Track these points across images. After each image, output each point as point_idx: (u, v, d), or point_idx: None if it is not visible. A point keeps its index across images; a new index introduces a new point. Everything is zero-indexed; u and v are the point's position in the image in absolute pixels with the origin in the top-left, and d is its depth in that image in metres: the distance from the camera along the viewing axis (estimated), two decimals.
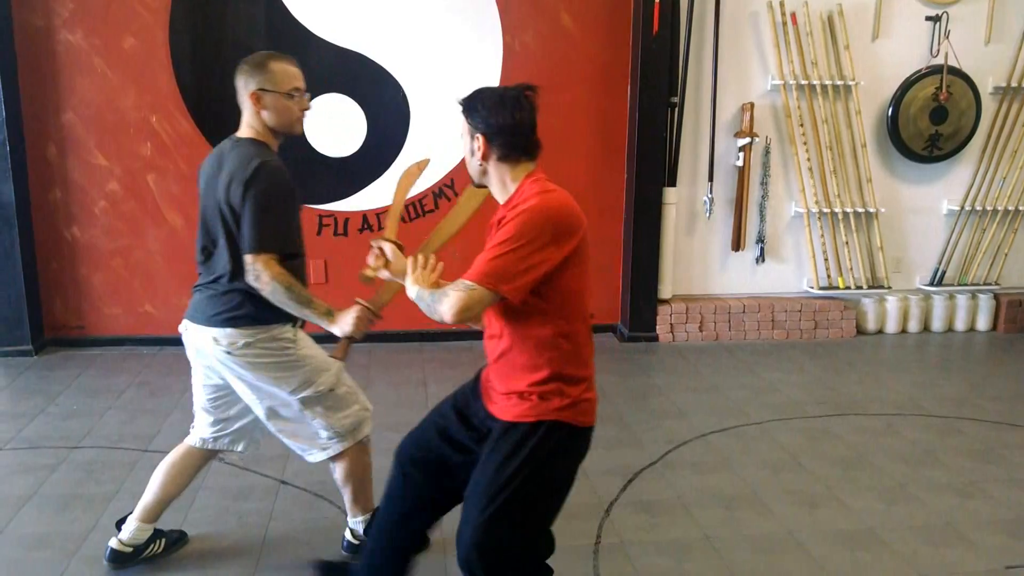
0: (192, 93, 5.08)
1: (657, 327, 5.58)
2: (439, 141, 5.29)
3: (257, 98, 2.58)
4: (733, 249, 5.69)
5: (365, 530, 2.83)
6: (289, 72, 2.61)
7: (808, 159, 5.58)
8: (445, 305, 2.03)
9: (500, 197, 2.22)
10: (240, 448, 2.89)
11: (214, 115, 5.10)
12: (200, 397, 2.80)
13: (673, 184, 5.48)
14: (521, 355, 2.15)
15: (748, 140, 5.45)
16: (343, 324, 2.56)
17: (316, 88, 5.18)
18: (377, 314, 2.60)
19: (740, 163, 5.52)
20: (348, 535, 2.93)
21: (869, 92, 5.60)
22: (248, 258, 2.47)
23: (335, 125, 5.23)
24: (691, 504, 3.34)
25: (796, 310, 5.69)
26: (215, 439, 2.83)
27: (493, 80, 5.25)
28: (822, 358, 5.30)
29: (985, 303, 5.91)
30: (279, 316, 2.58)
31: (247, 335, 2.56)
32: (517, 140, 2.17)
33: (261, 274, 2.45)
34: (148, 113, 5.07)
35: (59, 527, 3.12)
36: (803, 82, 5.47)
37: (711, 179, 5.55)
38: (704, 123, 5.53)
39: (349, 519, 2.91)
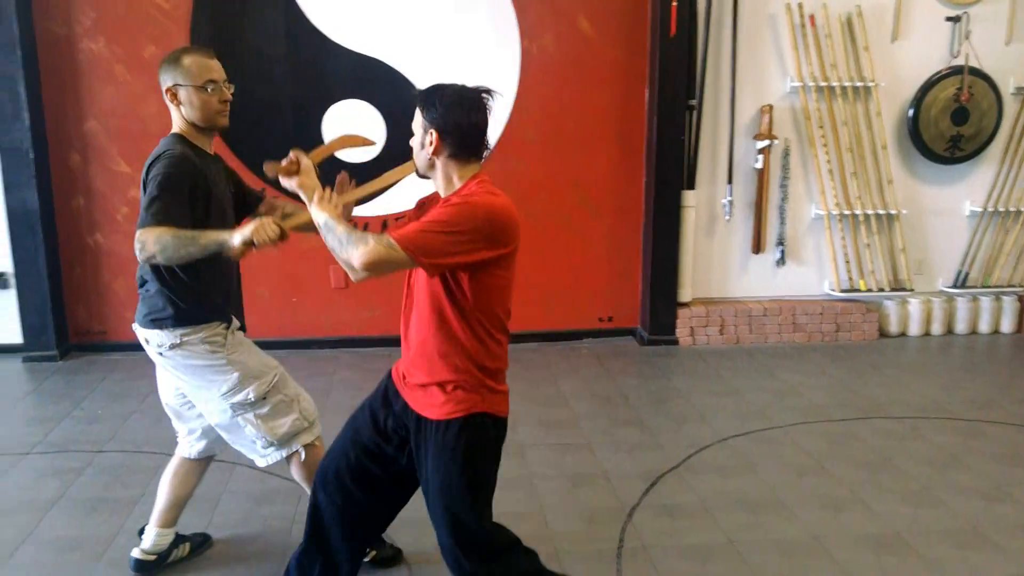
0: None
1: (677, 330, 5.57)
2: None
3: (173, 94, 2.54)
4: (753, 252, 5.67)
5: None
6: (203, 64, 2.54)
7: (828, 161, 5.55)
8: (360, 250, 2.01)
9: (443, 192, 2.24)
10: (216, 451, 2.87)
11: (233, 122, 5.11)
12: (171, 406, 2.79)
13: (692, 187, 5.47)
14: (443, 344, 2.17)
15: (767, 142, 5.43)
16: (243, 231, 2.32)
17: (335, 94, 5.24)
18: (284, 231, 2.35)
19: (759, 165, 5.50)
20: None
21: (889, 93, 5.56)
22: (137, 234, 2.35)
23: (354, 130, 5.24)
24: (714, 508, 3.32)
25: (817, 313, 5.66)
26: (191, 446, 2.84)
27: (511, 85, 5.27)
28: (844, 361, 5.26)
29: (1009, 305, 5.85)
30: (206, 316, 2.56)
31: (174, 336, 2.53)
32: (469, 141, 2.20)
33: (145, 243, 2.32)
34: (170, 120, 5.10)
35: (87, 530, 3.15)
36: (822, 84, 5.44)
37: (730, 181, 5.53)
38: (723, 125, 5.52)
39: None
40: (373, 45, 5.17)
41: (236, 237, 2.31)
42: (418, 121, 2.20)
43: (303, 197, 2.26)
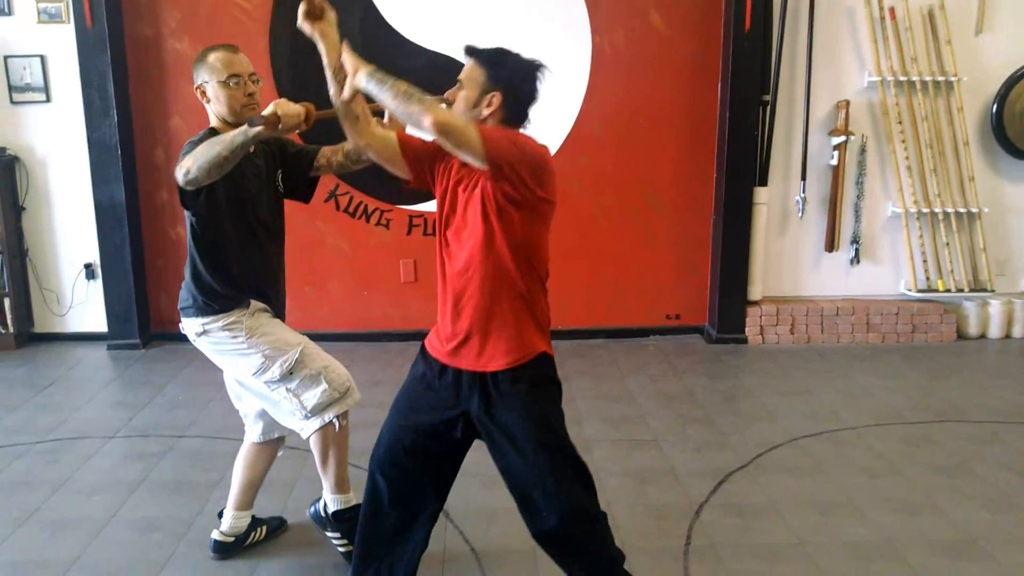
0: (291, 96, 5.23)
1: (746, 329, 5.50)
2: None
3: (202, 92, 2.63)
4: (827, 250, 5.57)
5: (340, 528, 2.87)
6: (227, 59, 2.59)
7: (907, 157, 5.41)
8: (431, 110, 1.98)
9: None
10: (276, 433, 2.93)
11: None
12: (229, 388, 2.91)
13: (764, 183, 5.40)
14: (500, 292, 2.18)
15: (843, 138, 5.33)
16: (266, 109, 2.39)
17: None
18: (309, 115, 2.45)
19: (835, 162, 5.40)
20: (320, 503, 2.94)
21: (972, 88, 5.39)
22: (177, 176, 2.40)
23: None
24: (784, 508, 3.29)
25: (893, 313, 5.53)
26: (251, 429, 2.92)
27: (582, 81, 5.27)
28: (920, 363, 5.13)
29: None
30: (225, 305, 2.65)
31: (199, 325, 2.67)
32: (525, 110, 2.22)
33: (180, 166, 2.38)
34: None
35: (169, 511, 3.28)
36: (902, 78, 5.31)
37: (804, 178, 5.44)
38: (797, 121, 5.43)
39: (324, 490, 2.89)
40: (447, 42, 5.23)
41: (258, 117, 2.34)
42: (475, 78, 2.17)
43: (322, 49, 2.21)
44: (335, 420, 2.74)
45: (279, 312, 2.82)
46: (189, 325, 2.71)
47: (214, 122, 2.68)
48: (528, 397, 2.20)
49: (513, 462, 2.24)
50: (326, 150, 2.88)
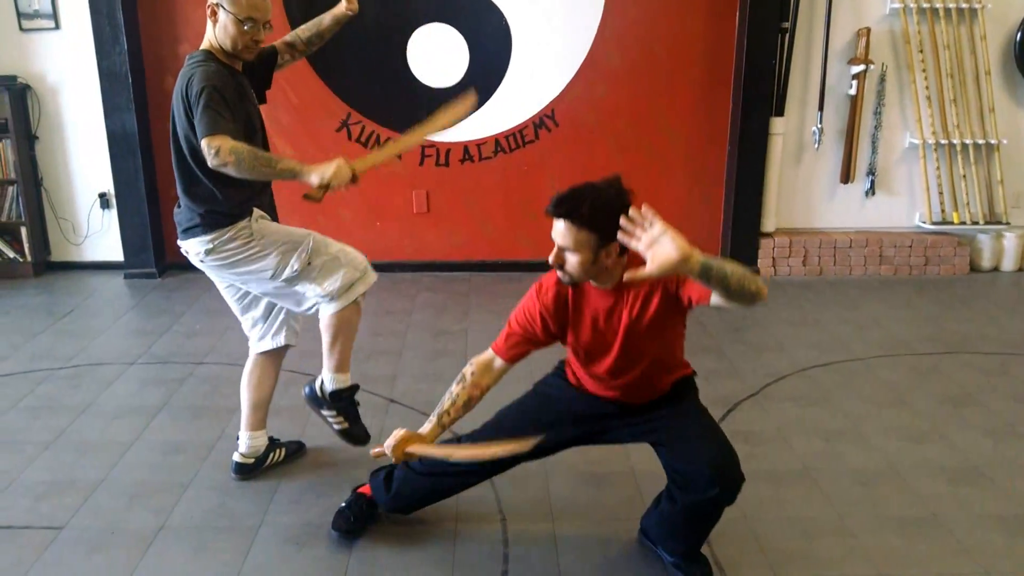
0: (301, 21, 5.16)
1: (759, 260, 5.51)
2: (541, 69, 5.29)
3: (213, 11, 2.59)
4: (842, 181, 5.53)
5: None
6: (254, 1, 2.57)
7: (927, 87, 5.32)
8: (761, 282, 2.00)
9: (610, 282, 2.24)
10: (282, 341, 2.97)
11: (322, 47, 5.19)
12: (231, 304, 2.96)
13: (781, 114, 5.33)
14: (672, 367, 2.44)
15: (863, 67, 5.24)
16: (322, 170, 2.49)
17: (419, 18, 5.24)
18: (356, 176, 2.56)
19: (853, 92, 5.32)
20: (316, 383, 2.92)
21: (996, 16, 5.27)
22: (203, 143, 2.43)
23: (437, 55, 5.27)
24: (790, 436, 3.35)
25: (906, 245, 5.51)
26: (261, 340, 2.97)
27: (596, 11, 5.17)
28: (932, 295, 5.14)
29: None
30: (231, 219, 2.65)
31: (206, 242, 2.66)
32: None
33: (219, 150, 2.41)
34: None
35: (190, 435, 3.37)
36: (924, 5, 5.19)
37: (821, 108, 5.37)
38: (816, 50, 5.33)
39: (324, 370, 2.90)
40: None
41: (314, 177, 2.46)
42: (582, 241, 2.10)
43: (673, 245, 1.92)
44: (359, 300, 2.80)
45: (275, 218, 2.87)
46: (195, 245, 2.70)
47: (210, 42, 2.64)
48: (693, 394, 2.54)
49: (687, 435, 2.40)
50: (281, 47, 2.95)
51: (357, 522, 2.71)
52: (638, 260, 2.06)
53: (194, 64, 2.58)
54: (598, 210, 2.08)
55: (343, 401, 2.90)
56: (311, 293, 2.75)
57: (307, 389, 2.95)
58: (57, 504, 2.87)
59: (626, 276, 1.95)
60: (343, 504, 2.75)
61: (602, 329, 2.31)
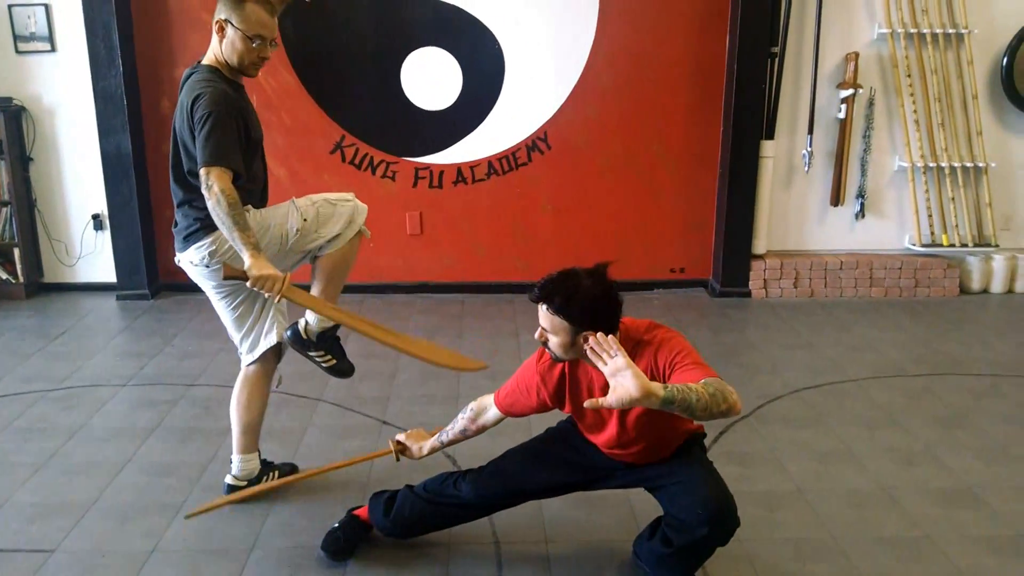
0: (295, 48, 5.23)
1: (750, 283, 5.54)
2: (534, 93, 5.34)
3: (221, 28, 2.62)
4: (832, 204, 5.57)
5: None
6: (261, 18, 2.60)
7: (915, 111, 5.38)
8: (735, 397, 2.02)
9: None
10: (274, 339, 2.94)
11: (316, 70, 5.25)
12: (225, 318, 2.95)
13: (771, 137, 5.38)
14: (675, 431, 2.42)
15: (851, 91, 5.30)
16: (260, 268, 2.53)
17: (413, 42, 5.28)
18: (282, 297, 2.59)
19: (842, 115, 5.38)
20: (300, 324, 2.93)
21: (983, 41, 5.35)
22: (202, 171, 2.51)
23: (431, 78, 5.32)
24: (784, 457, 3.35)
25: (896, 267, 5.55)
26: (252, 347, 2.95)
27: (589, 30, 5.22)
28: (922, 317, 5.17)
29: None
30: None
31: (209, 244, 2.68)
32: (618, 317, 2.25)
33: (213, 185, 2.49)
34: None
35: (182, 457, 3.35)
36: (912, 30, 5.27)
37: (811, 132, 5.42)
38: (805, 74, 5.39)
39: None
40: None
41: (253, 270, 2.52)
42: (560, 325, 2.19)
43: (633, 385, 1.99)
44: (365, 229, 2.90)
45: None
46: (198, 252, 2.70)
47: (215, 57, 2.66)
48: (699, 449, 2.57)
49: (685, 480, 2.41)
50: None
51: (347, 544, 2.71)
52: (629, 331, 2.25)
53: (202, 81, 2.60)
54: (572, 301, 2.17)
55: (330, 340, 2.95)
56: (319, 242, 2.82)
57: (290, 332, 2.94)
58: (48, 526, 2.85)
59: (587, 403, 2.00)
60: (335, 525, 2.74)
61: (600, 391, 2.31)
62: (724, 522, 2.30)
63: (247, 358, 2.99)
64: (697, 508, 2.29)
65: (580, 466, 2.54)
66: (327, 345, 2.96)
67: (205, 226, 2.68)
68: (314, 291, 2.89)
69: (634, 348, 2.26)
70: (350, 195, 2.91)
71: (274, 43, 2.70)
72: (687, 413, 1.95)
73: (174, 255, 2.84)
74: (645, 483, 2.49)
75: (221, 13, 2.61)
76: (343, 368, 3.04)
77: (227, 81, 2.65)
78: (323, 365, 3.00)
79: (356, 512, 2.77)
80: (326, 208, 2.83)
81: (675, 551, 2.40)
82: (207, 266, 2.73)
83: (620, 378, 1.91)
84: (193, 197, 2.69)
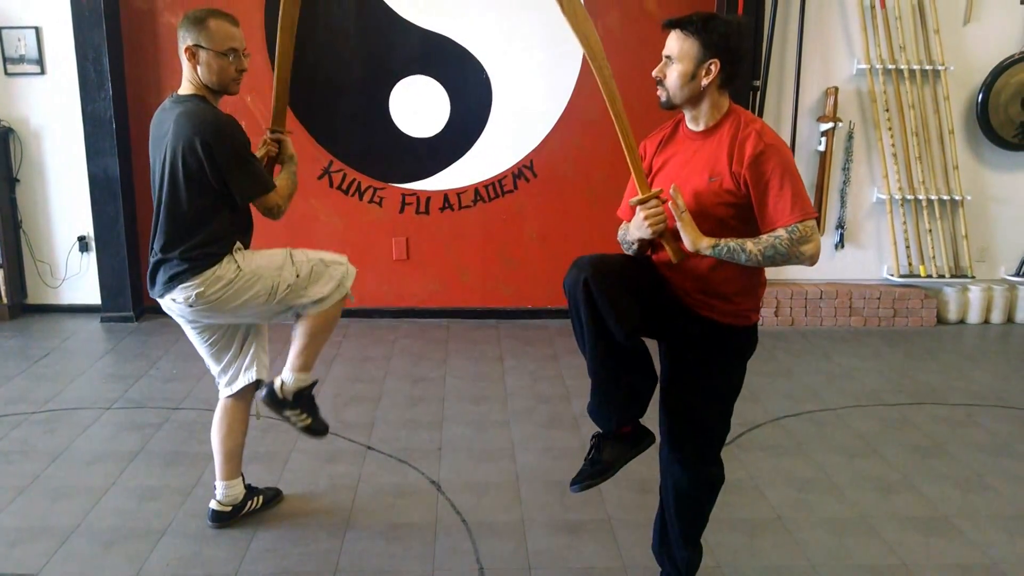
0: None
1: None
2: (520, 122, 5.41)
3: (192, 54, 2.60)
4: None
5: (297, 396, 2.89)
6: (227, 31, 2.60)
7: (893, 145, 5.50)
8: (810, 248, 2.13)
9: (702, 121, 2.27)
10: (253, 376, 2.94)
11: (305, 96, 5.29)
12: (202, 352, 2.96)
13: None
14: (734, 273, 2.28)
15: (831, 125, 5.41)
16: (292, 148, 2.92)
17: (402, 70, 5.35)
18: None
19: (822, 148, 5.48)
20: (276, 384, 2.88)
21: (958, 77, 5.49)
22: (260, 202, 2.69)
23: (419, 106, 5.38)
24: (764, 485, 3.40)
25: (875, 297, 5.64)
26: (231, 381, 2.96)
27: (576, 63, 5.31)
28: (901, 346, 5.25)
29: None
30: (216, 257, 2.66)
31: (196, 284, 2.64)
32: (741, 69, 2.25)
33: (278, 207, 2.73)
34: (243, 93, 5.25)
35: (166, 481, 3.35)
36: (890, 67, 5.39)
37: None
38: (786, 107, 5.50)
39: (287, 370, 2.88)
40: (440, 21, 5.27)
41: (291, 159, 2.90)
42: (686, 50, 2.17)
43: (684, 235, 2.17)
44: (350, 294, 2.91)
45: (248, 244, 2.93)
46: (184, 292, 2.65)
47: (193, 86, 2.65)
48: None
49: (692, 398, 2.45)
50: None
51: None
52: (739, 113, 2.23)
53: (203, 112, 2.58)
54: (711, 23, 2.16)
55: (305, 398, 2.92)
56: (305, 301, 2.80)
57: (265, 391, 2.90)
58: (31, 550, 2.84)
59: (671, 190, 2.18)
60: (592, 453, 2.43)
61: (677, 168, 2.32)
62: (704, 476, 2.46)
63: (225, 391, 2.99)
64: (672, 451, 2.45)
65: (658, 280, 2.37)
66: (303, 404, 2.91)
67: (193, 268, 2.63)
68: (293, 350, 2.86)
69: (731, 123, 2.21)
70: (343, 258, 2.91)
71: (247, 53, 2.70)
72: (735, 262, 2.16)
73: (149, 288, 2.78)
74: (671, 373, 2.42)
75: (187, 40, 2.60)
76: (317, 428, 2.97)
77: (214, 108, 2.67)
78: (298, 425, 2.93)
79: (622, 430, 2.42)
80: (320, 267, 2.82)
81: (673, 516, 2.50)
82: (191, 306, 2.69)
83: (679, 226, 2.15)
84: (186, 240, 2.63)
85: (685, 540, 2.55)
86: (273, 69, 2.85)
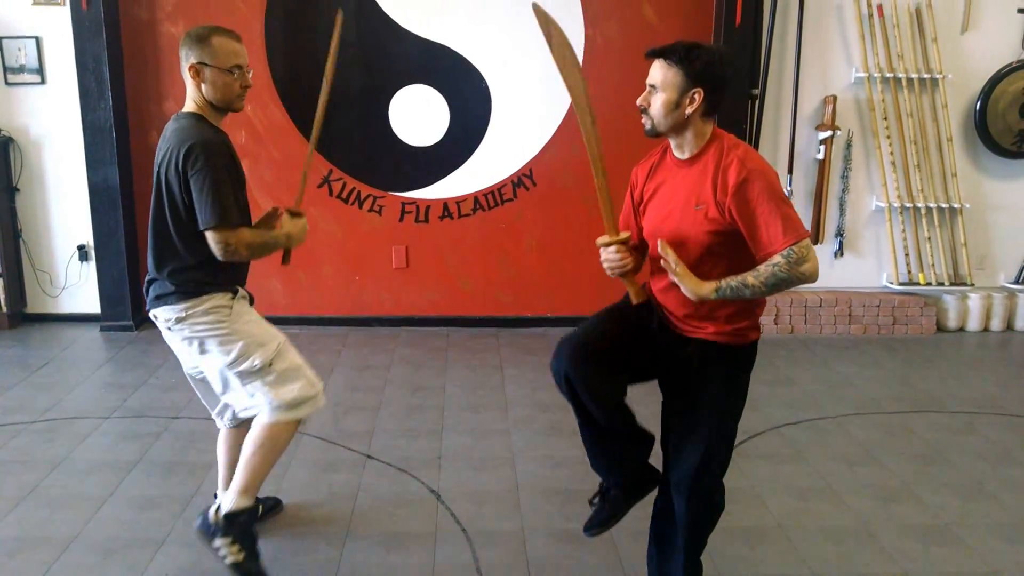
0: (284, 84, 5.30)
1: None
2: (519, 131, 5.42)
3: (196, 71, 2.56)
4: (811, 242, 5.66)
5: (236, 516, 2.68)
6: (231, 48, 2.57)
7: (891, 153, 5.51)
8: (803, 268, 2.13)
9: (687, 149, 2.29)
10: (252, 413, 2.79)
11: (304, 105, 5.31)
12: (197, 388, 2.90)
13: None
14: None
15: (830, 133, 5.42)
16: (296, 229, 2.77)
17: (402, 79, 5.36)
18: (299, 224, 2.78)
19: (821, 156, 5.49)
20: (211, 508, 2.74)
21: (957, 86, 5.50)
22: (211, 235, 2.50)
23: (419, 115, 5.39)
24: (764, 494, 3.39)
25: (874, 305, 5.64)
26: (222, 419, 2.90)
27: None
28: (900, 354, 5.25)
29: None
30: (211, 287, 2.61)
31: (179, 309, 2.59)
32: (723, 97, 2.26)
33: (234, 247, 2.52)
34: (245, 102, 5.30)
35: (165, 490, 3.35)
36: (888, 75, 5.41)
37: (790, 172, 5.53)
38: (785, 116, 5.51)
39: (219, 490, 2.81)
40: (440, 31, 5.29)
41: (291, 235, 2.72)
42: (670, 80, 2.21)
43: (684, 287, 2.22)
44: (302, 421, 2.72)
45: (251, 300, 2.83)
46: (166, 313, 2.63)
47: (195, 104, 2.61)
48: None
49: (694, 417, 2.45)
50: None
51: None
52: (723, 138, 2.26)
53: (190, 131, 2.53)
54: (693, 53, 2.19)
55: (239, 526, 2.68)
56: (260, 397, 2.65)
57: (199, 519, 2.77)
58: (30, 560, 2.84)
59: (660, 248, 2.21)
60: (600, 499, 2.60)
61: (664, 197, 2.35)
62: (697, 501, 2.41)
63: (224, 423, 2.93)
64: (674, 477, 2.42)
65: (643, 328, 2.44)
66: (236, 533, 2.67)
67: (180, 293, 2.60)
68: (236, 476, 2.71)
69: (715, 150, 2.24)
70: (320, 386, 2.77)
71: (250, 69, 2.66)
72: (740, 299, 2.18)
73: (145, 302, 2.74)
74: (671, 393, 2.48)
75: (191, 58, 2.56)
76: (251, 571, 2.66)
77: (210, 125, 2.61)
78: (227, 560, 2.65)
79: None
80: (295, 375, 2.69)
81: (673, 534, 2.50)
82: (169, 329, 2.66)
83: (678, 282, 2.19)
84: (171, 262, 2.60)
85: (684, 565, 2.54)
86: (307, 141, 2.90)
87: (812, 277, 2.16)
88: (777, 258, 2.13)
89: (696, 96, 2.19)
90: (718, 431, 2.39)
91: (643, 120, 2.31)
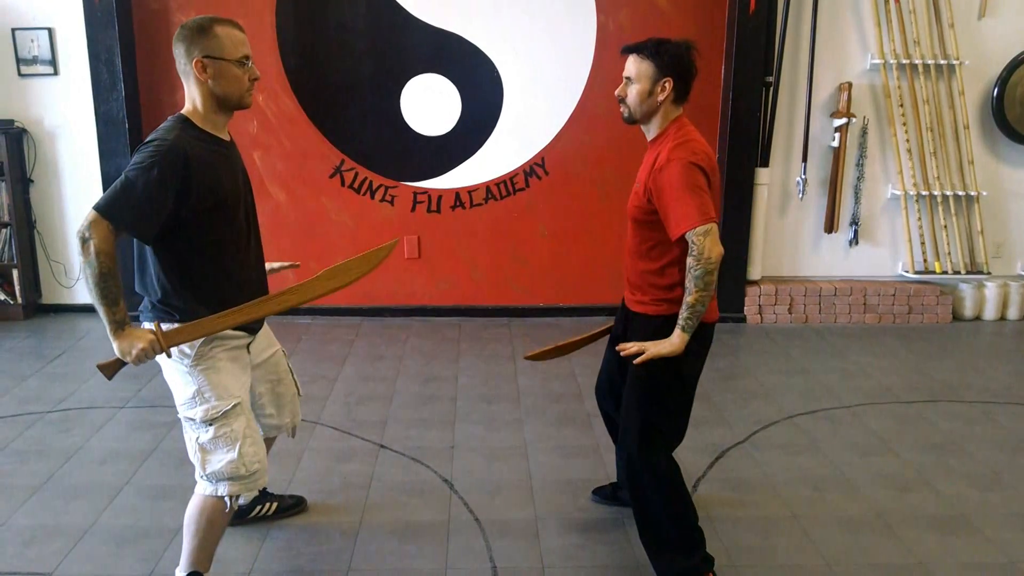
0: (296, 74, 5.29)
1: (745, 308, 5.58)
2: (531, 120, 5.39)
3: (203, 67, 2.28)
4: (826, 231, 5.63)
5: None
6: (237, 38, 2.32)
7: (907, 140, 5.46)
8: (713, 253, 2.33)
9: (652, 133, 2.57)
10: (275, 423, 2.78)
11: (316, 95, 5.30)
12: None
13: (766, 164, 5.44)
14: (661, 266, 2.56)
15: (845, 120, 5.37)
16: (124, 345, 2.28)
17: (414, 68, 5.35)
18: (167, 351, 2.30)
19: (836, 144, 5.44)
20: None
21: (974, 72, 5.43)
22: (89, 213, 2.20)
23: (431, 104, 5.38)
24: (778, 484, 3.37)
25: (890, 294, 5.60)
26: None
27: (587, 60, 5.29)
28: (916, 343, 5.21)
29: None
30: (179, 312, 2.38)
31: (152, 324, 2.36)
32: (690, 86, 2.52)
33: (91, 238, 2.19)
34: (255, 92, 5.29)
35: (179, 480, 3.36)
36: (904, 61, 5.35)
37: (805, 160, 5.49)
38: (799, 103, 5.47)
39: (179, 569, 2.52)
40: (452, 19, 5.26)
41: (116, 348, 2.27)
42: (643, 71, 2.48)
43: (661, 353, 2.47)
44: (227, 499, 2.43)
45: (256, 327, 2.56)
46: (145, 325, 2.42)
47: (195, 104, 2.36)
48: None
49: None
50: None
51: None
52: (682, 127, 2.52)
53: (161, 131, 2.31)
54: (663, 48, 2.47)
55: None
56: (191, 454, 2.44)
57: None
58: (45, 549, 2.85)
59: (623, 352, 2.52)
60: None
61: (636, 177, 2.61)
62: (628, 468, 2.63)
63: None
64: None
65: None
66: None
67: (155, 313, 2.41)
68: (184, 538, 2.48)
69: (670, 136, 2.50)
70: (258, 467, 2.45)
71: (252, 60, 2.40)
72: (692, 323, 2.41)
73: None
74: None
75: (194, 54, 2.28)
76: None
77: (199, 132, 2.35)
78: None
79: None
80: (230, 443, 2.39)
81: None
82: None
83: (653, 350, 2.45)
84: (151, 277, 2.43)
85: (648, 547, 2.66)
86: None
87: (717, 258, 2.34)
88: (689, 260, 2.36)
89: (667, 84, 2.47)
90: (646, 396, 2.58)
91: (621, 109, 2.58)
